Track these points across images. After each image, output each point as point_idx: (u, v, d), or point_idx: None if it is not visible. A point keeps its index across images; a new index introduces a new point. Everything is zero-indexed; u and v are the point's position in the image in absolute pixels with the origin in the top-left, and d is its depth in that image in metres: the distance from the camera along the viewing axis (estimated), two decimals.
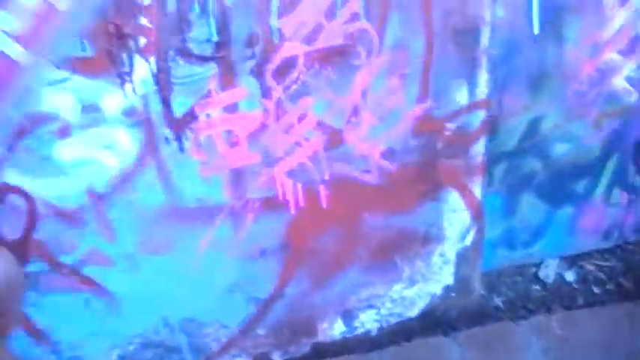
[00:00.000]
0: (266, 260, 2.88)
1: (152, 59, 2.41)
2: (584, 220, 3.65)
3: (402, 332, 3.25)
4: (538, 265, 3.72)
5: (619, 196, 3.65)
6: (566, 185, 3.49)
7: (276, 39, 2.49)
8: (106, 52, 2.35)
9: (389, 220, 2.98)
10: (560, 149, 3.37)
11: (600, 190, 3.59)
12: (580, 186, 3.53)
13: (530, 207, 3.49)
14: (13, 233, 2.52)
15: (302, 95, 2.62)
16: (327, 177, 2.79)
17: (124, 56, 2.38)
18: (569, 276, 3.69)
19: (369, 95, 2.70)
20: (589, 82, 3.22)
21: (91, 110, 2.41)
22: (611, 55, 3.19)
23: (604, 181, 3.56)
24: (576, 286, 3.66)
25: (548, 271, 3.67)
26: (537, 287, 3.66)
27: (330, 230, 2.92)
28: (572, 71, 3.17)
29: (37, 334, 2.71)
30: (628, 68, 3.27)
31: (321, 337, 3.17)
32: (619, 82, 3.27)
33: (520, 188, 3.42)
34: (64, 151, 2.44)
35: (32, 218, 2.52)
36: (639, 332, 3.33)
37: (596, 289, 3.65)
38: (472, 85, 2.83)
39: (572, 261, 3.76)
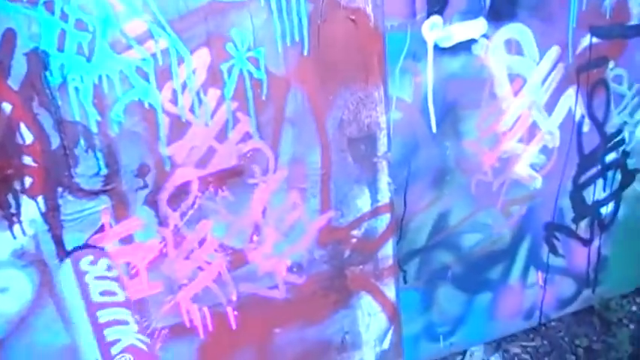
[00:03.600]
0: None
1: (40, 198, 2.33)
2: (503, 304, 3.65)
3: None
4: (463, 354, 3.68)
5: (535, 276, 3.65)
6: (481, 273, 3.49)
7: (168, 166, 2.44)
8: None
9: (302, 332, 2.92)
10: (471, 239, 3.37)
11: (516, 274, 3.60)
12: (496, 272, 3.54)
13: (447, 298, 3.46)
14: None
15: (200, 219, 2.56)
16: (234, 298, 2.73)
17: (10, 197, 2.29)
18: None
19: (268, 212, 2.66)
20: (492, 172, 3.24)
21: None
22: (512, 144, 3.22)
23: (519, 264, 3.58)
24: None
25: (474, 359, 3.64)
26: None
27: (242, 350, 2.84)
28: (474, 164, 3.18)
29: None
30: (530, 155, 3.30)
31: None
32: (523, 169, 3.30)
33: (435, 282, 3.39)
34: None
35: None
36: None
37: None
38: (374, 190, 2.82)
39: (497, 345, 3.75)
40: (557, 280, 3.75)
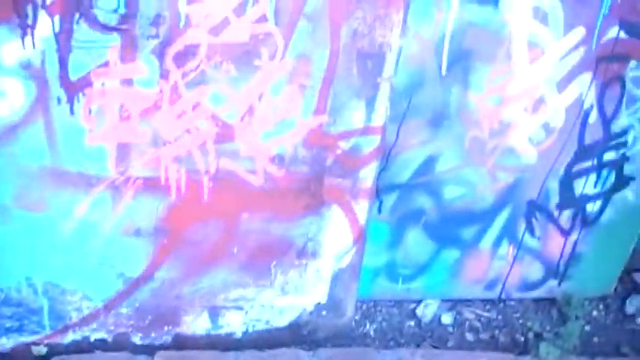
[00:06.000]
0: (140, 240, 2.92)
1: (56, 18, 2.45)
2: (468, 267, 3.73)
3: (266, 340, 3.29)
4: (418, 303, 3.78)
5: (506, 249, 3.72)
6: (454, 228, 3.57)
7: (182, 24, 2.55)
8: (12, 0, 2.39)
9: (268, 224, 3.03)
10: (453, 192, 3.45)
11: (488, 241, 3.67)
12: (469, 232, 3.61)
13: (416, 243, 3.55)
14: None
15: (199, 84, 2.67)
16: (212, 170, 2.84)
17: (29, 9, 2.41)
18: (446, 319, 3.77)
19: (265, 98, 2.76)
20: (490, 132, 3.31)
21: None
22: (515, 111, 3.29)
23: (493, 232, 3.64)
24: (450, 330, 3.73)
25: (427, 310, 3.74)
26: (412, 323, 3.72)
27: (208, 223, 2.96)
28: (474, 118, 3.26)
29: None
30: (530, 127, 3.36)
31: (184, 329, 3.19)
32: (520, 139, 3.38)
33: (408, 222, 3.48)
34: None
35: None
36: None
37: (469, 336, 3.73)
38: (370, 109, 2.90)
39: (453, 305, 3.84)
40: (526, 260, 3.82)
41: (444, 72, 3.11)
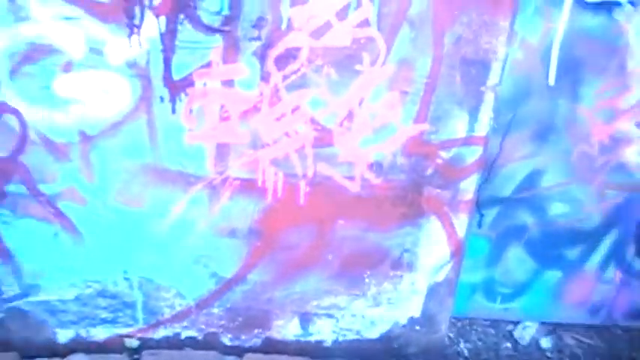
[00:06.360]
0: (235, 241, 2.93)
1: (162, 19, 2.50)
2: (571, 289, 3.58)
3: (356, 350, 3.23)
4: (516, 324, 3.65)
5: (614, 273, 3.55)
6: (558, 248, 3.43)
7: (284, 26, 2.55)
8: (121, 1, 2.46)
9: (364, 232, 2.98)
10: (557, 209, 3.32)
11: (594, 263, 3.51)
12: (573, 252, 3.46)
13: (516, 261, 3.43)
14: (1, 151, 2.65)
15: (300, 87, 2.67)
16: (310, 174, 2.82)
17: (137, 9, 2.47)
18: (545, 343, 3.61)
19: (365, 104, 2.72)
20: (600, 147, 3.17)
21: (96, 52, 2.52)
22: (628, 126, 3.13)
23: (600, 253, 3.48)
24: (549, 355, 3.57)
25: (525, 333, 3.61)
26: (508, 345, 3.59)
27: (303, 227, 2.94)
28: (583, 132, 3.12)
29: (3, 252, 2.81)
30: None
31: (274, 333, 3.18)
32: (632, 155, 3.21)
33: (509, 238, 3.37)
34: (64, 85, 2.56)
35: (22, 141, 2.64)
36: None
37: None
38: (473, 118, 2.82)
39: (553, 329, 3.69)
40: (634, 286, 3.63)
41: (551, 82, 2.99)
